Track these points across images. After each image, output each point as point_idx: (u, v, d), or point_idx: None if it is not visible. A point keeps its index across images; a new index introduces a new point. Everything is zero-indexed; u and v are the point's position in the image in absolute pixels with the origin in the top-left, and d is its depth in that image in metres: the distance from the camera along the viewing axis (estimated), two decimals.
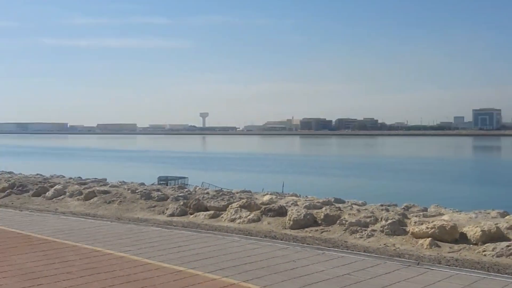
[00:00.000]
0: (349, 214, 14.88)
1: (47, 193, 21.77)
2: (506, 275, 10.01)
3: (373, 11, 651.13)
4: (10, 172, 33.35)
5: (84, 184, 23.85)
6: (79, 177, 30.22)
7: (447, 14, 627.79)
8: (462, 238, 12.44)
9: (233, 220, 15.87)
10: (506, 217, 14.21)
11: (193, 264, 10.58)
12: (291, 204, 16.87)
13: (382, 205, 17.13)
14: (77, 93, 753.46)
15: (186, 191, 21.28)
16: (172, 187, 24.06)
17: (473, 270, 10.38)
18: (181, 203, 17.94)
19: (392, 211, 15.30)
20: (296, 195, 21.18)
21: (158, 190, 21.34)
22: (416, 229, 12.90)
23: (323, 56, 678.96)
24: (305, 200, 17.94)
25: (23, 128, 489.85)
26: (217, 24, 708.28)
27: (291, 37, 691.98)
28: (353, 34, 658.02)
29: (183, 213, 17.30)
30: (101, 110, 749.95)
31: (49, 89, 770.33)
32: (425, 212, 15.42)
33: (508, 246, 11.49)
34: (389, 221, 13.61)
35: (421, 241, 12.44)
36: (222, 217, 16.34)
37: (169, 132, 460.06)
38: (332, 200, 18.20)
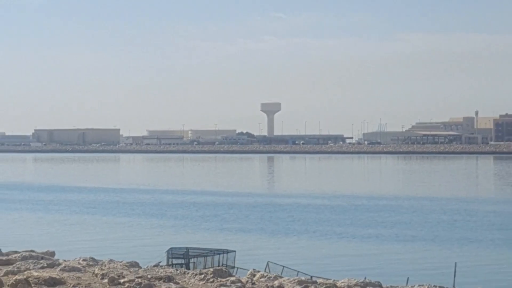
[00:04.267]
0: None
1: None
2: None
3: None
4: None
5: (7, 263, 15.21)
6: None
7: None
8: None
9: None
10: None
11: None
12: None
13: None
14: None
15: (233, 282, 10.24)
16: (200, 272, 12.55)
17: None
18: None
19: None
20: None
21: (169, 278, 10.30)
22: None
23: None
24: None
25: None
26: None
27: None
28: None
29: None
30: None
31: None
32: None
33: None
34: None
35: None
36: None
37: None
38: None
